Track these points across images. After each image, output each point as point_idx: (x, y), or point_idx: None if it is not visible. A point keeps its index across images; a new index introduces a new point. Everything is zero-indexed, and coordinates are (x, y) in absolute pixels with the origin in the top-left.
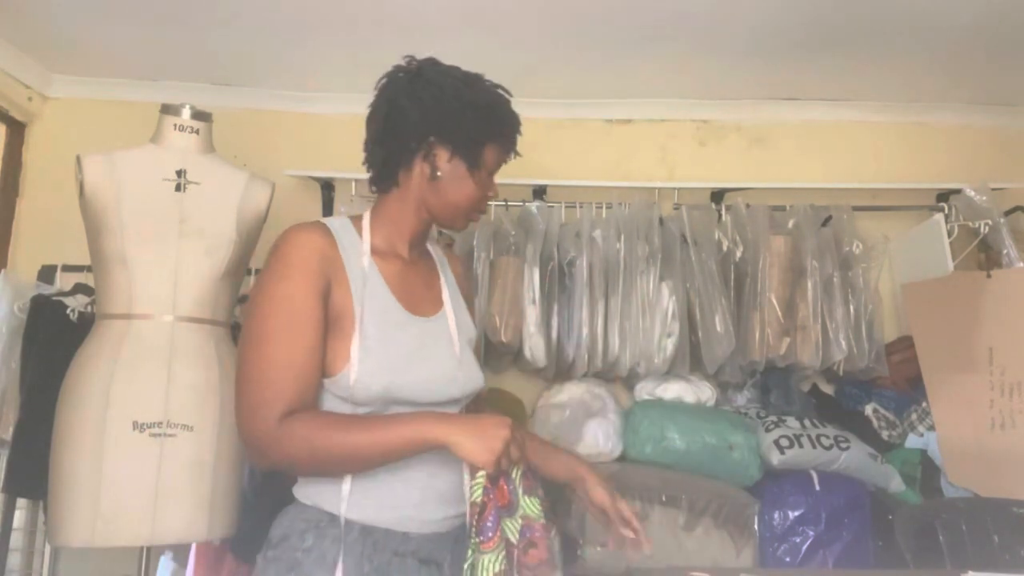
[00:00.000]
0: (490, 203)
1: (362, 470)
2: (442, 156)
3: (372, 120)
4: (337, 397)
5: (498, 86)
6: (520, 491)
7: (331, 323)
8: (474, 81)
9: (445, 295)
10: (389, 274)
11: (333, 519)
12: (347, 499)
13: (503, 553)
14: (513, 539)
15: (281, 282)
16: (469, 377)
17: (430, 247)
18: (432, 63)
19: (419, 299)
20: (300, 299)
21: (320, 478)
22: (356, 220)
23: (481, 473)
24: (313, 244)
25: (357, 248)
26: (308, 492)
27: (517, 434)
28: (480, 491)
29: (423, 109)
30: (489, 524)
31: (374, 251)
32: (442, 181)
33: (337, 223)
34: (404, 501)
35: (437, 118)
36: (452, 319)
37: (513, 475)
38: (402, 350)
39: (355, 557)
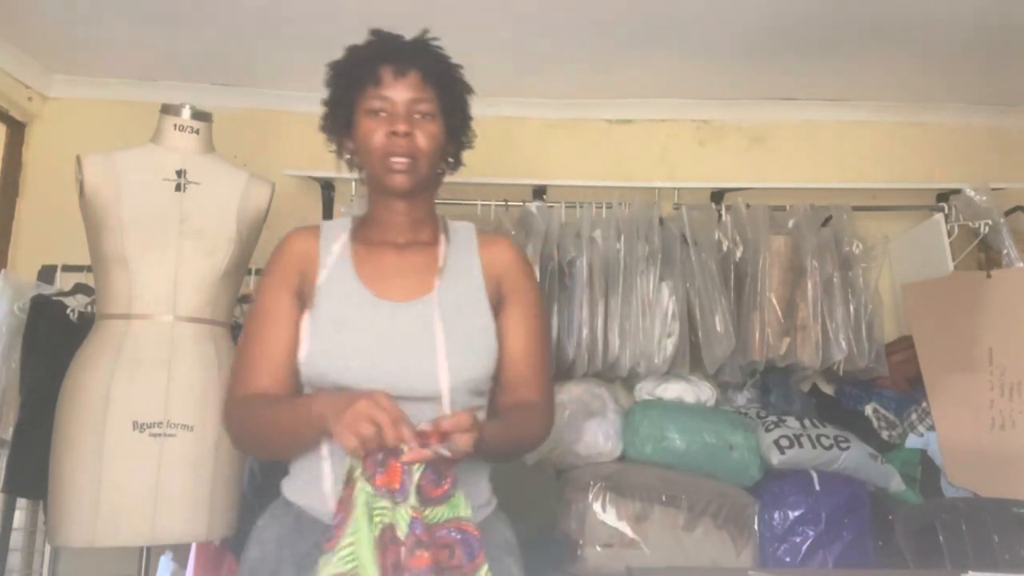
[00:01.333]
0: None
1: (287, 450)
2: (343, 143)
3: None
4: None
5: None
6: (414, 485)
7: (304, 311)
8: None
9: (438, 280)
10: (364, 259)
11: (280, 500)
12: (290, 478)
13: (353, 552)
14: (401, 534)
15: (260, 285)
16: (457, 367)
17: (453, 232)
18: None
19: (397, 285)
20: (268, 297)
21: (285, 462)
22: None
23: (348, 460)
24: (289, 246)
25: (340, 240)
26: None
27: (385, 413)
28: (345, 479)
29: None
30: (338, 520)
31: (364, 240)
32: (358, 155)
33: (337, 222)
34: (327, 487)
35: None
36: (439, 303)
37: (414, 467)
38: (358, 335)
39: (281, 539)
